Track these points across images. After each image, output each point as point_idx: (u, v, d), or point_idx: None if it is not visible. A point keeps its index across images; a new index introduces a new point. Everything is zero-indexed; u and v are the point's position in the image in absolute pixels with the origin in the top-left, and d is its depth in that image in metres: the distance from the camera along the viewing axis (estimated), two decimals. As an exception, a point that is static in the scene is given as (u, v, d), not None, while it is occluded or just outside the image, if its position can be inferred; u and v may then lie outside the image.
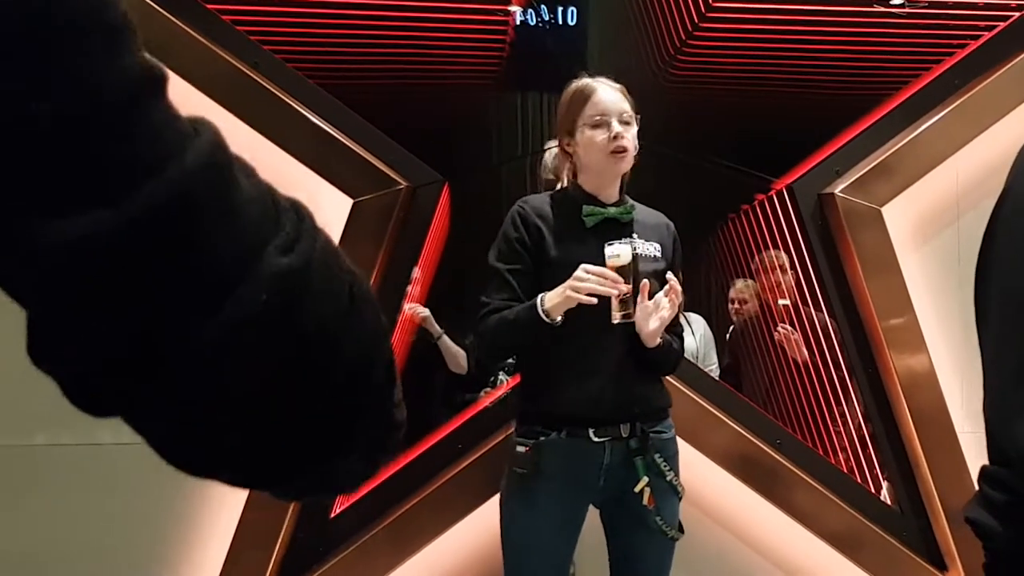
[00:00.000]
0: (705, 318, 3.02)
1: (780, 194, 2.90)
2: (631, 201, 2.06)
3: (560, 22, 2.90)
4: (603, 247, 1.89)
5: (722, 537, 2.78)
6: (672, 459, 2.02)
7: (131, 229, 0.37)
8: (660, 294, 1.91)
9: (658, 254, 2.01)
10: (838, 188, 2.81)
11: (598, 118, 1.97)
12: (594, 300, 1.82)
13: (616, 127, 1.96)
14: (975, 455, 2.77)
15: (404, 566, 2.64)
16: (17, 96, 0.35)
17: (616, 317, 1.86)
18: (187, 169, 0.39)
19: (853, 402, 2.89)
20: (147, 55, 0.40)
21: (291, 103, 2.65)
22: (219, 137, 0.42)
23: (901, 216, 2.85)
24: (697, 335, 2.93)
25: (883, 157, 2.83)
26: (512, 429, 2.71)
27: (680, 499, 2.04)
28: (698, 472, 2.72)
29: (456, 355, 2.92)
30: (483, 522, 2.68)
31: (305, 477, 0.46)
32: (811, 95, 2.98)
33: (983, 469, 0.79)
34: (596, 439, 1.94)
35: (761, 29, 2.90)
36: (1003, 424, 0.76)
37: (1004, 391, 0.77)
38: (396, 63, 2.81)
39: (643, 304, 1.89)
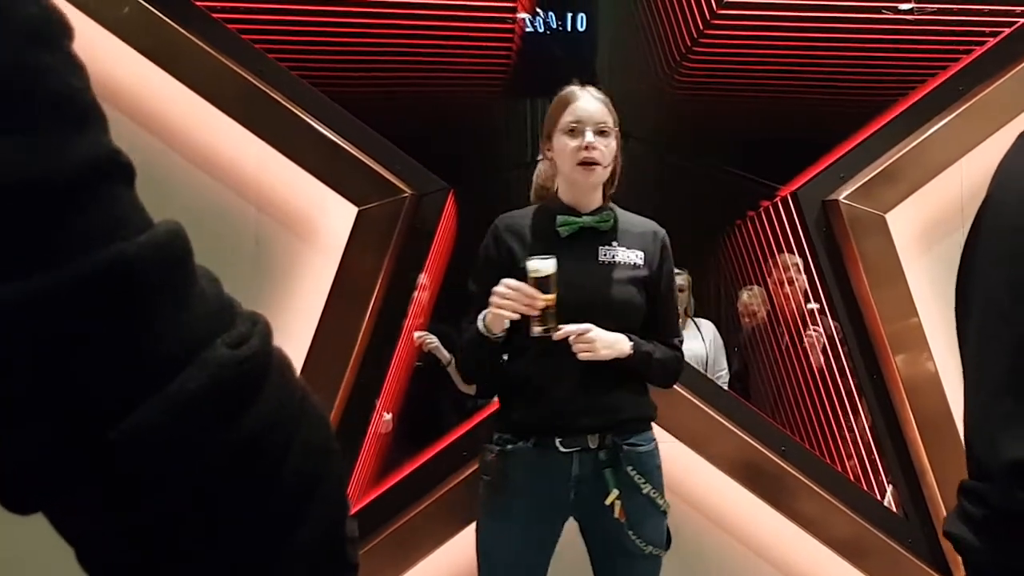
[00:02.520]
0: (713, 323, 3.02)
1: (785, 200, 2.90)
2: (616, 209, 2.00)
3: (568, 29, 2.89)
4: (575, 256, 1.89)
5: (727, 544, 2.77)
6: (650, 474, 1.92)
7: (67, 294, 0.37)
8: (590, 326, 1.86)
9: (639, 262, 1.96)
10: (843, 194, 2.81)
11: (574, 125, 1.92)
12: (517, 316, 1.81)
13: (589, 136, 1.91)
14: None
15: (408, 574, 2.64)
16: None
17: (535, 331, 1.83)
18: (136, 249, 0.39)
19: (858, 408, 2.89)
20: (120, 149, 0.41)
21: (296, 111, 2.66)
22: (184, 243, 0.42)
23: (906, 222, 2.85)
24: (707, 341, 2.92)
25: (888, 163, 2.83)
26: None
27: (665, 514, 1.94)
28: (703, 479, 2.72)
29: None
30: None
31: None
32: (815, 101, 2.98)
33: (962, 483, 0.79)
34: (564, 449, 1.88)
35: (766, 35, 2.90)
36: (983, 437, 0.75)
37: (984, 403, 0.76)
38: (402, 71, 2.81)
39: (576, 338, 1.85)
